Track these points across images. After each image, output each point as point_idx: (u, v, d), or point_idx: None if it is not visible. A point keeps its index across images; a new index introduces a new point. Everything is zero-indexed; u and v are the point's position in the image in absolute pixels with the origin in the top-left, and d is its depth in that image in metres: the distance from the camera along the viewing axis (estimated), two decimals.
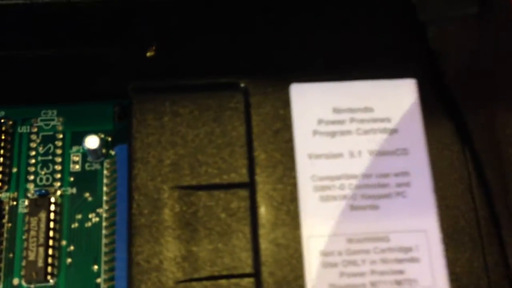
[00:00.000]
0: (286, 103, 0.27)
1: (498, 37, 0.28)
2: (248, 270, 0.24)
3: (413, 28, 0.28)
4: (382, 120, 0.27)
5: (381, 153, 0.26)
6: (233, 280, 0.24)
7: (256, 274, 0.24)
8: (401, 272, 0.24)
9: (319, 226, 0.25)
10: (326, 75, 0.27)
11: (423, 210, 0.25)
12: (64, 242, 0.27)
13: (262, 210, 0.25)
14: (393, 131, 0.26)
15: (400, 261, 0.25)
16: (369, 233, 0.25)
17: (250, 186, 0.25)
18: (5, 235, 0.27)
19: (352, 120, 0.27)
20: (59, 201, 0.28)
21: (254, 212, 0.25)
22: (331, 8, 0.28)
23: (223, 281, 0.24)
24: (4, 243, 0.27)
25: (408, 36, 0.28)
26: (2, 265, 0.27)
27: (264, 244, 0.24)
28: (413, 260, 0.25)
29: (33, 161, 0.28)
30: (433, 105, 0.27)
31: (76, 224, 0.28)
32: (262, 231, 0.25)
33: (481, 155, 0.26)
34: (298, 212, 0.25)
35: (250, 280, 0.24)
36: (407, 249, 0.25)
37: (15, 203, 0.28)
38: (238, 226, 0.25)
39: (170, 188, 0.25)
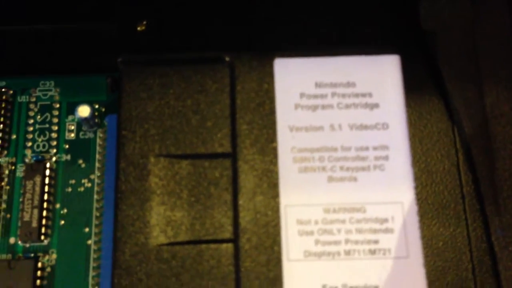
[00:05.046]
0: (269, 77, 0.27)
1: (490, 16, 0.27)
2: (228, 235, 0.25)
3: (398, 4, 0.28)
4: (363, 95, 0.27)
5: (361, 127, 0.26)
6: (213, 245, 0.25)
7: (235, 239, 0.25)
8: (375, 241, 0.25)
9: (297, 196, 0.25)
10: (310, 51, 0.27)
11: (400, 183, 0.25)
12: (58, 205, 0.28)
13: (243, 179, 0.26)
14: (374, 106, 0.27)
15: (375, 231, 0.25)
16: (346, 204, 0.25)
17: (232, 156, 0.26)
18: (4, 197, 0.28)
19: (333, 94, 0.27)
20: (54, 166, 0.29)
21: (235, 181, 0.26)
22: None
23: (203, 246, 0.25)
24: (3, 204, 0.28)
25: (393, 13, 0.28)
26: (0, 224, 0.28)
27: (243, 212, 0.25)
28: (388, 230, 0.25)
29: (31, 128, 0.29)
30: (417, 82, 0.27)
31: (70, 189, 0.28)
32: (242, 200, 0.25)
33: (468, 133, 0.26)
34: (277, 182, 0.25)
35: (229, 245, 0.25)
36: (383, 220, 0.25)
37: (13, 167, 0.29)
38: (220, 194, 0.25)
39: (156, 157, 0.26)
